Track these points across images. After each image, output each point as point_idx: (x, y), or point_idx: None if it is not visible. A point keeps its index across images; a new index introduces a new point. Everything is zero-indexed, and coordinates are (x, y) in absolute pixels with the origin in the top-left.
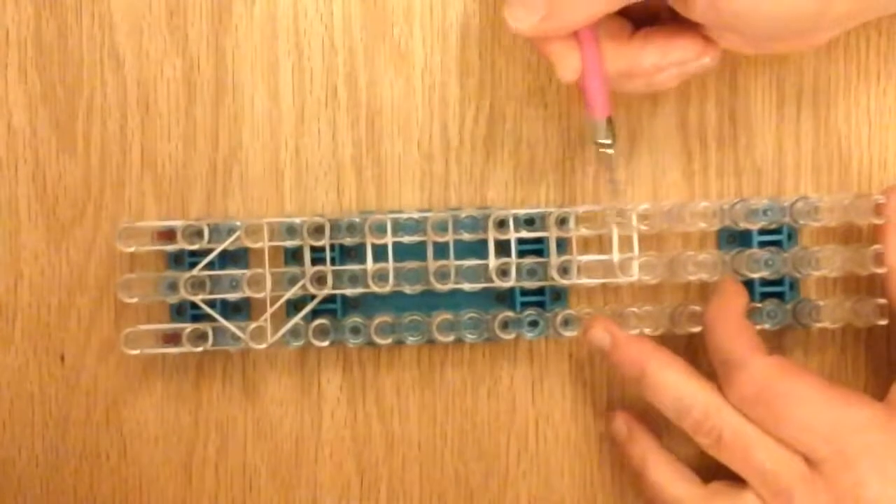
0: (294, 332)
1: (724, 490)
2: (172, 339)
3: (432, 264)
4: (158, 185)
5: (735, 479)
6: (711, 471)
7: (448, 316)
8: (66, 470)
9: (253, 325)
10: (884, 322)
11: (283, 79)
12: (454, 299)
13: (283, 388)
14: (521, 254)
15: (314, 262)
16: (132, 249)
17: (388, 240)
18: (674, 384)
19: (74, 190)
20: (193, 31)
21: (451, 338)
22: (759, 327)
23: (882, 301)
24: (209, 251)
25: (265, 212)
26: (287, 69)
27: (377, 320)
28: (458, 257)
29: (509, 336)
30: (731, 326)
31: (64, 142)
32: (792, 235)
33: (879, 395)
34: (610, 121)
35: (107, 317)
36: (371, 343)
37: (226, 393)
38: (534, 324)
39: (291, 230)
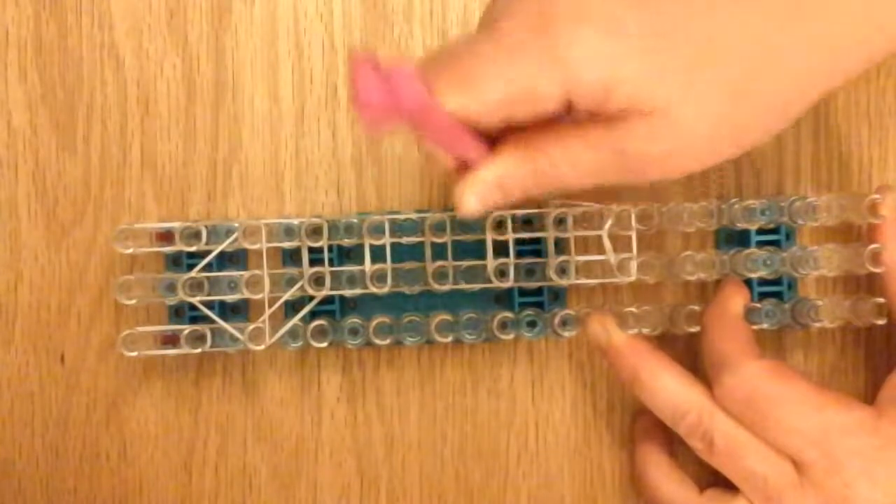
0: (292, 334)
1: (716, 496)
2: (171, 340)
3: (430, 265)
4: (158, 185)
5: (731, 488)
6: (721, 481)
7: (447, 316)
8: (66, 470)
9: (251, 326)
10: (882, 321)
11: (283, 79)
12: (453, 300)
13: (283, 388)
14: (519, 254)
15: (312, 263)
16: (130, 251)
17: (387, 240)
18: (669, 389)
19: (74, 190)
20: (193, 31)
21: (449, 338)
22: (757, 327)
23: (881, 300)
24: (207, 252)
25: (265, 211)
26: (287, 69)
27: (376, 321)
28: (456, 258)
29: (508, 337)
30: (726, 328)
31: (64, 142)
32: (790, 235)
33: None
34: None
35: (107, 317)
36: (370, 344)
37: (226, 392)
38: (532, 324)
39: (289, 231)
